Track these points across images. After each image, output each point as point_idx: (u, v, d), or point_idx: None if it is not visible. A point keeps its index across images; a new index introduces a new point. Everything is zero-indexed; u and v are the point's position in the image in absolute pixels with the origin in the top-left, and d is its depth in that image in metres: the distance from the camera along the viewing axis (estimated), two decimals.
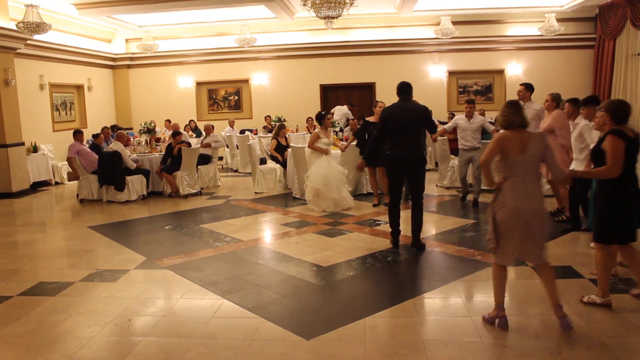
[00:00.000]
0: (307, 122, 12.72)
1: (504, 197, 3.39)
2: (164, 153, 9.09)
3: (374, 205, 7.53)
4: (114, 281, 4.65)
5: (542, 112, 6.69)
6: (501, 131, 3.59)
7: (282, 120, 12.81)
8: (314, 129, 8.20)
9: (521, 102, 6.90)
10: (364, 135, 7.70)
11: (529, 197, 3.35)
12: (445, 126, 7.93)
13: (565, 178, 3.78)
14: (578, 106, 5.70)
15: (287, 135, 10.10)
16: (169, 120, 13.24)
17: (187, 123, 13.55)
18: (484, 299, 4.11)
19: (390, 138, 5.34)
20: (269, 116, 13.64)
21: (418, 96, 5.92)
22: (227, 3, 11.39)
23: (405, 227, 5.63)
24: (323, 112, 7.79)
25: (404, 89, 5.45)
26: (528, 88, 6.85)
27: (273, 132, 10.13)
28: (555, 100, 6.26)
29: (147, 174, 8.99)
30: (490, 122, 8.69)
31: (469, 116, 7.54)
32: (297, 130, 12.91)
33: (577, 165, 5.47)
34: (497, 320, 3.47)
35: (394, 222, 5.47)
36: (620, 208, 3.61)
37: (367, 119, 7.91)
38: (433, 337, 3.39)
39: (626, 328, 3.40)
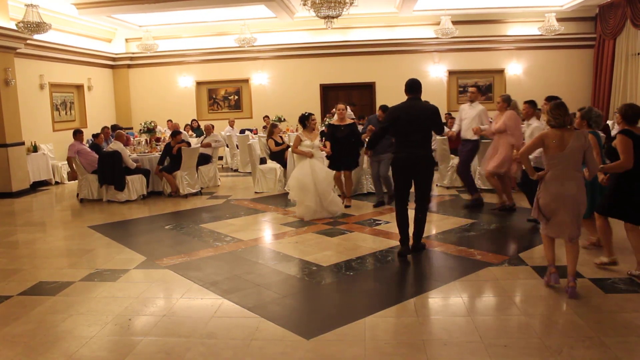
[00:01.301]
0: None
1: (547, 185, 4.00)
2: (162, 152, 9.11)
3: (346, 207, 7.40)
4: (114, 281, 4.65)
5: (484, 113, 7.14)
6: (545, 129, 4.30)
7: (282, 119, 12.82)
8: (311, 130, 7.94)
9: (469, 102, 7.20)
10: (332, 139, 7.33)
11: (566, 185, 3.95)
12: None
13: (596, 172, 4.34)
14: (535, 108, 6.31)
15: (281, 134, 10.09)
16: (171, 121, 13.21)
17: (189, 123, 13.56)
18: (484, 299, 4.12)
19: (396, 140, 5.17)
20: (267, 116, 13.65)
21: None
22: (227, 3, 11.39)
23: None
24: (307, 114, 7.25)
25: (412, 87, 5.16)
26: (479, 90, 7.37)
27: (267, 133, 10.11)
28: (506, 102, 6.70)
29: (147, 173, 8.99)
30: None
31: None
32: (297, 130, 12.88)
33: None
34: (550, 277, 4.10)
35: (403, 228, 5.12)
36: (633, 192, 4.22)
37: (330, 122, 7.53)
38: (433, 337, 3.39)
39: (626, 328, 3.41)
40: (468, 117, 7.13)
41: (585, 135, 3.97)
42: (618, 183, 4.29)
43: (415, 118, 5.03)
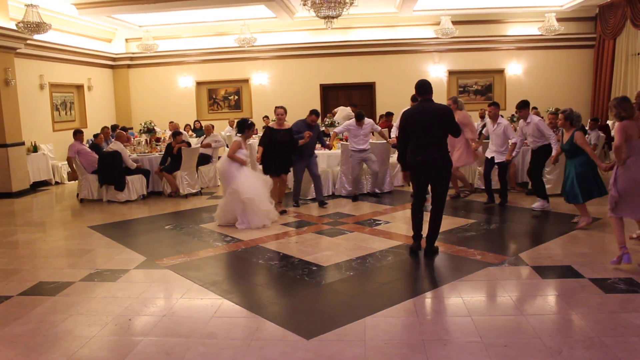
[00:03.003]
0: None
1: (629, 170, 4.45)
2: (163, 153, 9.10)
3: (282, 213, 7.07)
4: (114, 281, 4.65)
5: None
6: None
7: None
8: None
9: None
10: (270, 143, 6.96)
11: None
12: (336, 130, 8.36)
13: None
14: (499, 109, 7.30)
15: None
16: (172, 122, 13.12)
17: (190, 123, 13.53)
18: (484, 299, 4.12)
19: (411, 143, 5.06)
20: (266, 117, 13.64)
21: None
22: (227, 3, 11.40)
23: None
24: (250, 122, 6.79)
25: (422, 89, 5.07)
26: (455, 102, 7.58)
27: None
28: (456, 103, 7.43)
29: (147, 173, 8.99)
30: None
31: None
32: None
33: (498, 155, 7.15)
34: (623, 257, 4.43)
35: (416, 222, 5.16)
36: None
37: (269, 125, 6.96)
38: (433, 337, 3.39)
39: (626, 328, 3.40)
40: None
41: None
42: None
43: (427, 121, 4.93)
